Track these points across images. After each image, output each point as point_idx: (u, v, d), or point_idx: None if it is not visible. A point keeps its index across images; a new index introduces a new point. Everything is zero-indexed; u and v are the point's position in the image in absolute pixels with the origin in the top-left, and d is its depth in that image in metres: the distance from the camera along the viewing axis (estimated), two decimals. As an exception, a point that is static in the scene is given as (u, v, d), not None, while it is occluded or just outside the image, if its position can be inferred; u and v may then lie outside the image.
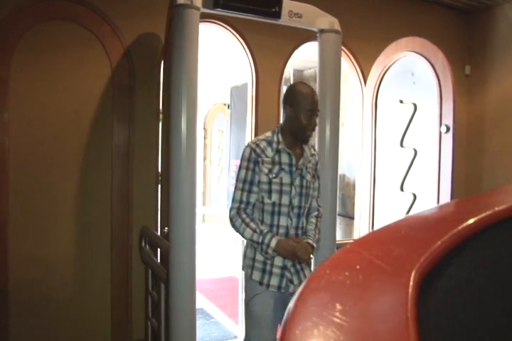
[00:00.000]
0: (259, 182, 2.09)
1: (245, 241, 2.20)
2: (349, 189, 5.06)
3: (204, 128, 8.73)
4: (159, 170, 3.03)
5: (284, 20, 2.66)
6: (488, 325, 0.70)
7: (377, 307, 0.58)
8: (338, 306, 0.55)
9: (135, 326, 2.99)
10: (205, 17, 2.85)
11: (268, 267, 2.11)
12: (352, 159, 4.88)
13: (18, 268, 2.69)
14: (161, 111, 3.03)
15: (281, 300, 2.10)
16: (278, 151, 2.10)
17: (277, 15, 2.62)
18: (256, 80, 3.39)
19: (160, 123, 3.04)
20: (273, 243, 2.03)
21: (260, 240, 2.04)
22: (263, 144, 2.11)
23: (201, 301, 4.46)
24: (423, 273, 0.61)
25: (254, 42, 3.34)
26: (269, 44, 3.40)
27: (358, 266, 0.66)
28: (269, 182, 2.08)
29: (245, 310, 2.20)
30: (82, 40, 2.85)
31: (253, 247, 2.13)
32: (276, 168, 2.08)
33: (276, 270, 2.11)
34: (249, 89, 3.44)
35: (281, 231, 2.11)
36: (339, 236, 4.74)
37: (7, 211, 2.67)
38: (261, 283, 2.11)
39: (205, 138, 8.75)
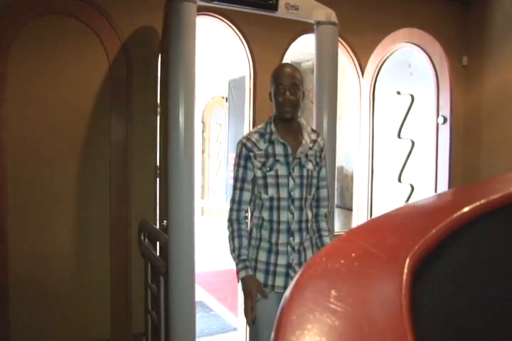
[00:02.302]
0: (255, 177, 2.00)
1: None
2: (347, 181, 5.07)
3: (202, 122, 8.73)
4: (157, 163, 3.04)
5: (281, 12, 2.66)
6: (484, 313, 0.71)
7: (372, 294, 0.58)
8: (334, 292, 0.56)
9: (135, 319, 3.00)
10: (202, 10, 2.84)
11: (272, 267, 2.01)
12: (350, 151, 4.88)
13: (18, 264, 2.70)
14: (158, 104, 3.03)
15: None
16: (271, 142, 2.00)
17: (274, 7, 2.62)
18: (253, 73, 3.38)
19: (158, 117, 3.05)
20: (241, 275, 1.96)
21: (235, 261, 2.00)
22: (254, 137, 2.02)
23: (201, 294, 4.48)
24: (418, 260, 0.62)
25: (252, 34, 3.33)
26: (267, 36, 3.39)
27: (353, 254, 0.66)
28: (264, 176, 1.98)
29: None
30: (80, 35, 2.85)
31: (255, 248, 2.05)
32: (271, 160, 1.98)
33: (280, 269, 2.00)
34: (247, 82, 3.44)
35: (283, 227, 2.00)
36: (338, 228, 4.77)
37: (6, 207, 2.68)
38: (265, 285, 2.01)
39: (203, 131, 8.75)
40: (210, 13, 3.15)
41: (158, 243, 2.77)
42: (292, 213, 2.01)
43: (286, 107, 1.98)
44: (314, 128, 2.78)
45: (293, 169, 2.01)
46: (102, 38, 2.90)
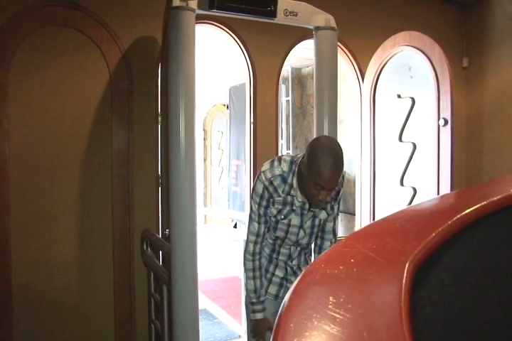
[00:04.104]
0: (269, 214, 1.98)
1: (245, 240, 2.15)
2: (350, 185, 5.06)
3: (204, 129, 8.74)
4: (159, 172, 3.04)
5: (280, 18, 2.66)
6: (485, 315, 0.70)
7: (371, 299, 0.58)
8: (333, 299, 0.55)
9: (138, 329, 2.99)
10: (201, 18, 2.85)
11: (269, 275, 2.10)
12: (352, 156, 4.87)
13: (20, 273, 2.70)
14: (159, 113, 3.04)
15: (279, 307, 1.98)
16: (291, 195, 1.92)
17: (273, 14, 2.62)
18: (254, 80, 3.39)
19: (159, 126, 3.05)
20: (258, 316, 2.02)
21: (253, 301, 2.02)
22: (277, 182, 1.91)
23: (204, 302, 4.47)
24: (417, 264, 0.61)
25: (251, 41, 3.34)
26: (266, 43, 3.40)
27: (352, 260, 0.66)
28: (277, 222, 1.97)
29: (246, 312, 2.17)
30: (80, 46, 2.86)
31: None
32: (287, 208, 1.93)
33: (276, 279, 2.09)
34: (247, 89, 3.45)
35: (284, 254, 2.07)
36: (341, 233, 4.75)
37: (9, 217, 2.68)
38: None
39: (205, 139, 8.76)
40: (209, 21, 3.16)
41: (160, 252, 2.76)
42: (295, 251, 2.08)
43: (316, 202, 1.86)
44: (315, 132, 2.78)
45: (305, 222, 1.99)
46: (102, 49, 2.91)
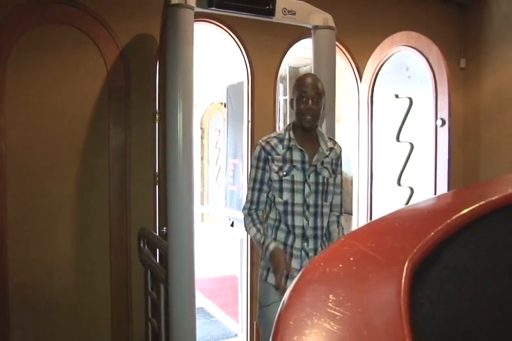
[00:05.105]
0: (270, 180, 2.03)
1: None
2: (347, 185, 5.06)
3: (201, 128, 8.74)
4: (156, 170, 3.03)
5: (278, 17, 2.67)
6: (483, 314, 0.70)
7: (370, 298, 0.58)
8: (332, 297, 0.55)
9: (136, 327, 2.99)
10: (199, 16, 2.85)
11: (285, 271, 2.00)
12: (349, 155, 4.88)
13: (17, 272, 2.69)
14: (157, 111, 3.03)
15: None
16: (289, 148, 2.02)
17: (271, 12, 2.62)
18: (251, 78, 3.38)
19: (157, 124, 3.04)
20: (271, 246, 1.96)
21: (261, 241, 2.01)
22: (273, 142, 2.05)
23: (201, 300, 4.47)
24: (416, 263, 0.61)
25: (249, 40, 3.34)
26: (264, 42, 3.40)
27: (351, 258, 0.66)
28: (280, 180, 2.01)
29: (260, 315, 2.09)
30: (78, 43, 2.85)
31: None
32: (288, 165, 2.01)
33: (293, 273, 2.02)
34: (245, 88, 3.44)
35: (298, 231, 2.03)
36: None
37: (6, 216, 2.67)
38: (277, 287, 1.99)
39: (202, 137, 8.76)
40: (208, 20, 3.16)
41: (157, 250, 2.76)
42: (307, 219, 2.04)
43: (307, 116, 1.99)
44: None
45: (309, 176, 2.03)
46: (100, 46, 2.91)
